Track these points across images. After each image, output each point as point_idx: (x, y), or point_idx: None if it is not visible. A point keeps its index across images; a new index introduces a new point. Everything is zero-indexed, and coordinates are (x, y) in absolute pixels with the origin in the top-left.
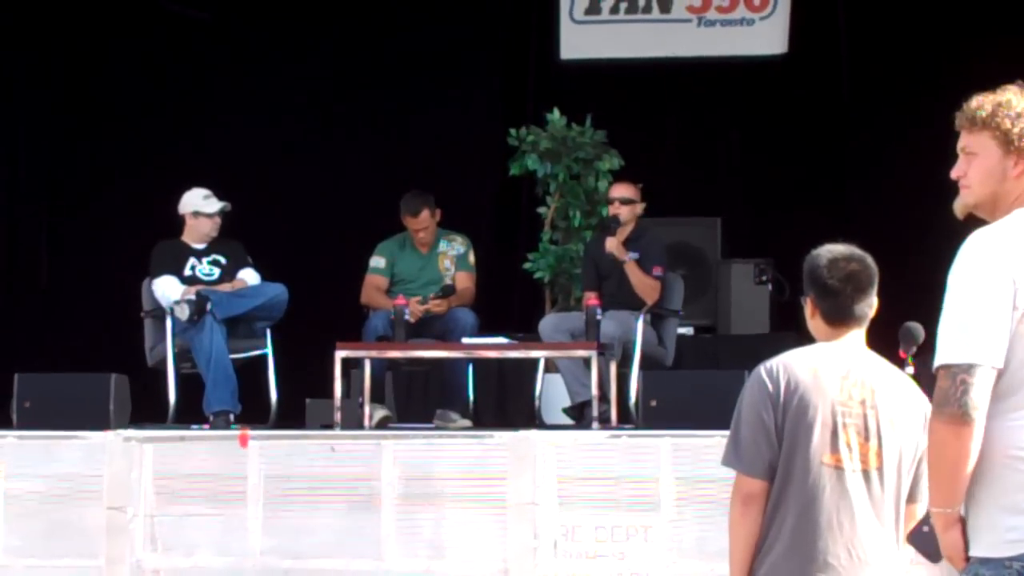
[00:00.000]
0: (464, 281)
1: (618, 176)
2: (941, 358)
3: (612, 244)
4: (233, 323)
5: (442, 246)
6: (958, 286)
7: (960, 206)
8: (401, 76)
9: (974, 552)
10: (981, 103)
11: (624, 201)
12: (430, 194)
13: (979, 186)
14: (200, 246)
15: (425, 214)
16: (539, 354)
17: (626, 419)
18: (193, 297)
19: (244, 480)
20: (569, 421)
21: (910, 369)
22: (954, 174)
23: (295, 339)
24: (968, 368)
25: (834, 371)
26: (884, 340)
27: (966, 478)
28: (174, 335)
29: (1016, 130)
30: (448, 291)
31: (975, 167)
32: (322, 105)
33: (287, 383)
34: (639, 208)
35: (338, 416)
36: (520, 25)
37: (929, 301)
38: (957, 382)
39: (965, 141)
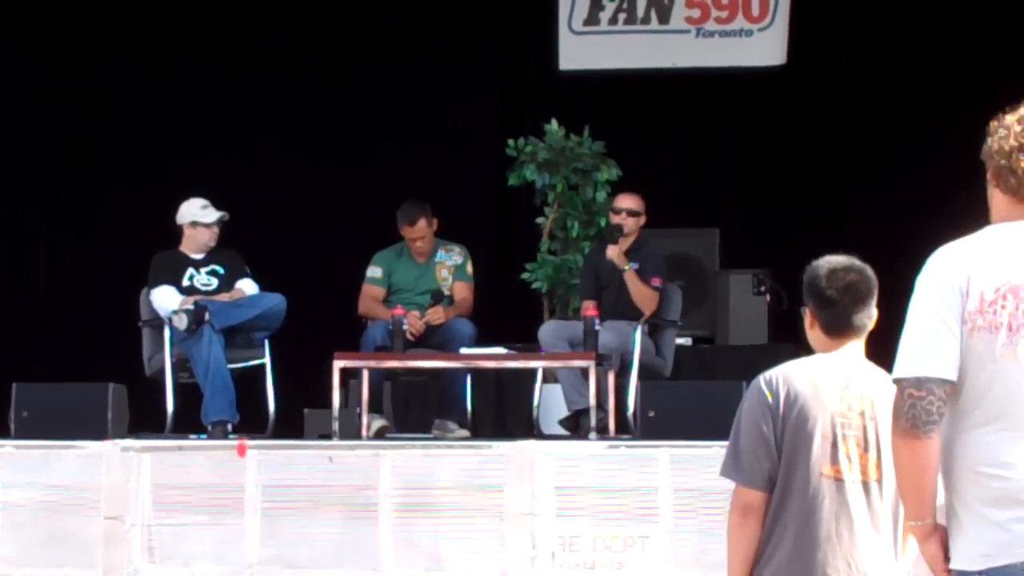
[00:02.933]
0: (462, 291)
1: (619, 187)
2: (894, 372)
3: (613, 252)
4: (231, 333)
5: (440, 256)
6: (913, 301)
7: None
8: (399, 86)
9: (952, 564)
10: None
11: (632, 212)
12: (427, 203)
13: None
14: (198, 256)
15: (422, 223)
16: (537, 364)
17: (624, 430)
18: (191, 307)
19: (242, 490)
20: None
21: None
22: None
23: (293, 349)
24: (916, 382)
25: (833, 382)
26: (882, 351)
27: (930, 490)
28: (172, 345)
29: (985, 144)
30: (438, 297)
31: None
32: (320, 114)
33: (285, 393)
34: (643, 221)
35: (336, 426)
36: (519, 35)
37: None
38: (906, 396)
39: None
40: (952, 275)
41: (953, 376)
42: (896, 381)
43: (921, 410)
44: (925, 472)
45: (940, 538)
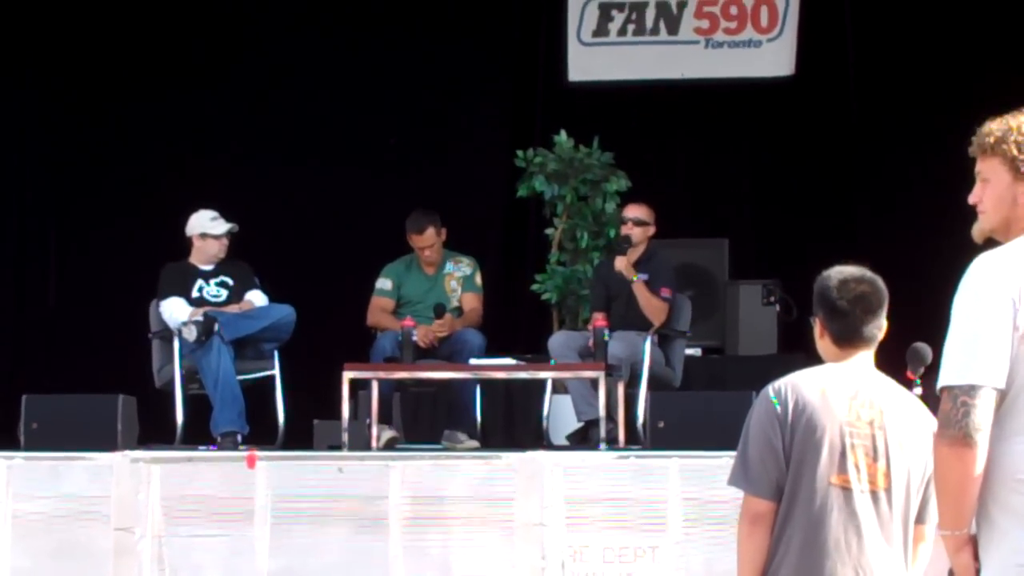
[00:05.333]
0: (471, 302)
1: (628, 198)
2: (944, 380)
3: (621, 263)
4: (241, 344)
5: (448, 267)
6: (960, 308)
7: (977, 231)
8: (409, 97)
9: (985, 574)
10: (991, 128)
11: (638, 222)
12: (436, 213)
13: (992, 212)
14: (207, 267)
15: (430, 232)
16: (547, 375)
17: (634, 440)
18: (200, 318)
19: (251, 501)
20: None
21: (918, 390)
22: (971, 200)
23: (303, 360)
24: (969, 390)
25: (842, 392)
26: (892, 361)
27: (972, 500)
28: (181, 356)
29: (1022, 156)
30: (440, 311)
31: (988, 193)
32: (330, 127)
33: (295, 404)
34: (651, 231)
35: (346, 437)
36: (528, 47)
37: (937, 323)
38: (959, 404)
39: (979, 167)
40: (1004, 283)
41: (1003, 384)
42: (947, 388)
43: (975, 419)
44: (972, 482)
45: (973, 549)
